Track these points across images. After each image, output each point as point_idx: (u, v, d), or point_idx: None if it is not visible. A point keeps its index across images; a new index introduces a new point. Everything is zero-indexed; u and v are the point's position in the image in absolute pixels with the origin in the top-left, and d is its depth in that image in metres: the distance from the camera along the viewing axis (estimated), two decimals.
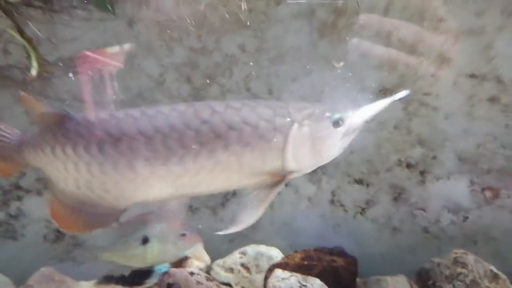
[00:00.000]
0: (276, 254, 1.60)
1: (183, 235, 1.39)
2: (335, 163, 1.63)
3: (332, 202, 1.66)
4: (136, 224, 1.37)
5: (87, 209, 1.03)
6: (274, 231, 1.66)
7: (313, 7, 1.52)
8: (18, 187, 1.58)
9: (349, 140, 1.04)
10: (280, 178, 1.01)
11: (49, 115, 1.03)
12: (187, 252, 1.42)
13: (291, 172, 1.02)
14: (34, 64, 1.38)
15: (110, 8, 1.46)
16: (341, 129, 1.01)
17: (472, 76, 1.54)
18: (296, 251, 1.53)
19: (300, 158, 1.01)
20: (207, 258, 1.58)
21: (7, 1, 1.36)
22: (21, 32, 1.41)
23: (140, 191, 1.01)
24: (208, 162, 0.98)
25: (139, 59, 1.56)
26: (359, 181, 1.64)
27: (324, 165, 1.59)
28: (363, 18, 1.42)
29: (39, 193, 1.59)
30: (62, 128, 1.02)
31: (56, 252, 1.63)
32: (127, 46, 1.45)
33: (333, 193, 1.65)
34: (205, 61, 1.57)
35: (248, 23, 1.52)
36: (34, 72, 1.38)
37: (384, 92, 1.55)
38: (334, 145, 1.03)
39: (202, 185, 1.02)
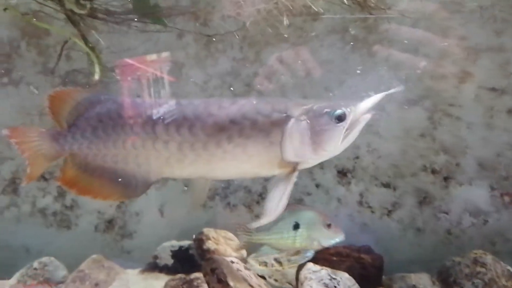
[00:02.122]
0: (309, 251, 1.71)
1: (329, 225, 1.47)
2: (363, 167, 1.75)
3: (360, 203, 1.77)
4: (288, 212, 1.45)
5: (120, 181, 1.19)
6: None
7: (346, 24, 1.67)
8: None
9: (355, 135, 1.11)
10: (290, 169, 1.12)
11: (88, 99, 1.21)
12: (332, 242, 1.49)
13: (293, 163, 1.11)
14: (97, 70, 1.54)
15: (163, 21, 1.62)
16: (342, 124, 1.09)
17: (492, 89, 1.66)
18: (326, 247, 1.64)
19: (299, 151, 1.10)
20: (243, 251, 1.70)
21: (74, 12, 1.53)
22: (86, 41, 1.58)
23: (164, 168, 1.17)
24: (217, 151, 1.11)
25: (187, 68, 1.71)
26: (386, 185, 1.76)
27: (353, 168, 1.74)
28: (393, 30, 1.55)
29: None
30: (103, 110, 1.19)
31: (105, 241, 1.77)
32: (164, 54, 1.61)
33: (361, 195, 1.77)
34: (246, 71, 1.71)
35: (286, 36, 1.67)
36: (96, 77, 1.54)
37: (409, 102, 1.67)
38: (336, 140, 1.10)
39: (217, 171, 1.16)
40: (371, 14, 1.51)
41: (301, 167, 1.14)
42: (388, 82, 1.67)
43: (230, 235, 1.71)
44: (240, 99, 1.17)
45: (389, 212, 1.76)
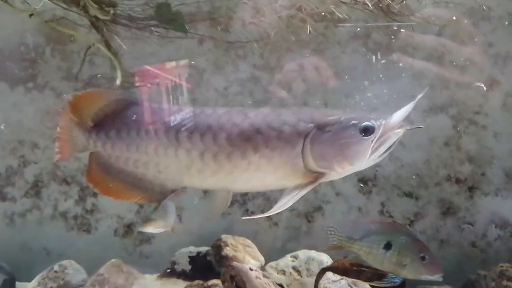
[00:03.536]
0: (326, 259, 1.68)
1: (424, 258, 1.33)
2: (385, 175, 1.71)
3: (381, 213, 1.74)
4: (385, 228, 1.41)
5: (140, 185, 1.20)
6: (325, 238, 1.75)
7: (369, 30, 1.64)
8: None
9: (385, 148, 1.05)
10: (313, 179, 1.09)
11: (117, 102, 1.23)
12: (422, 277, 1.35)
13: (317, 174, 1.08)
14: (119, 75, 1.55)
15: (186, 27, 1.63)
16: (370, 138, 1.04)
17: None
18: (345, 257, 1.61)
19: (323, 162, 1.07)
20: (261, 259, 1.68)
21: (98, 18, 1.55)
22: (108, 46, 1.60)
23: (185, 178, 1.17)
24: (242, 162, 1.09)
25: (208, 74, 1.72)
26: (408, 194, 1.72)
27: (374, 177, 1.71)
28: (417, 38, 1.52)
29: None
30: (129, 114, 1.21)
31: (124, 245, 1.78)
32: (183, 62, 1.62)
33: (382, 204, 1.73)
34: (267, 77, 1.70)
35: (308, 43, 1.66)
36: (118, 81, 1.55)
37: (434, 110, 1.64)
38: (363, 153, 1.05)
39: (239, 182, 1.14)
40: (395, 20, 1.48)
41: (326, 179, 1.12)
42: (412, 90, 1.65)
43: (249, 242, 1.70)
44: (264, 108, 1.16)
45: (411, 223, 1.72)
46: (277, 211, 1.07)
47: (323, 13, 1.54)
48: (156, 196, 1.20)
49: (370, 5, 1.40)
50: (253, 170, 1.10)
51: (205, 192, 1.76)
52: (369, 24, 1.60)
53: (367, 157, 1.06)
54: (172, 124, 1.15)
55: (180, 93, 1.39)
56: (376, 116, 1.06)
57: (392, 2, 1.41)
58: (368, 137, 1.04)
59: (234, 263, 1.40)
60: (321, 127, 1.07)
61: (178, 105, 1.27)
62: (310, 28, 1.47)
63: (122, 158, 1.20)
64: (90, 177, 1.24)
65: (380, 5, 1.43)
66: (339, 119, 1.08)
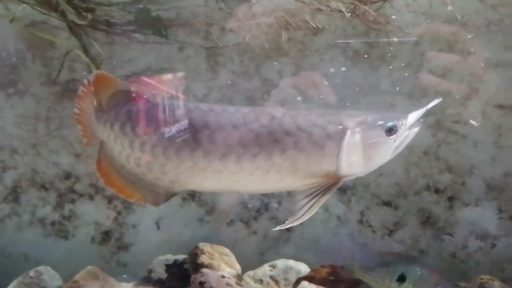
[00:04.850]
0: (304, 269, 1.66)
1: None
2: (364, 184, 1.70)
3: (360, 222, 1.72)
4: (399, 259, 1.38)
5: (141, 185, 1.14)
6: (304, 247, 1.73)
7: (348, 37, 1.64)
8: (73, 190, 1.74)
9: (402, 147, 1.11)
10: (334, 181, 1.09)
11: (126, 92, 1.15)
12: None
13: (344, 176, 1.09)
14: None
15: (164, 33, 1.63)
16: (393, 137, 1.08)
17: (500, 106, 1.60)
18: (323, 266, 1.59)
19: (353, 163, 1.08)
20: (238, 267, 1.66)
21: (76, 23, 1.56)
22: (86, 52, 1.60)
23: (195, 179, 1.11)
24: (265, 164, 1.07)
25: (187, 81, 1.71)
26: (388, 203, 1.70)
27: (353, 186, 1.70)
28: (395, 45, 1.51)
29: (91, 197, 1.74)
30: (135, 108, 1.13)
31: (101, 253, 1.77)
32: (180, 74, 1.61)
33: (362, 214, 1.72)
34: (246, 84, 1.70)
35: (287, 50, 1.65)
36: None
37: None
38: (387, 152, 1.10)
39: (255, 184, 1.11)
40: (370, 28, 1.48)
41: (346, 179, 1.12)
42: (391, 98, 1.64)
43: (226, 250, 1.69)
44: (290, 109, 1.13)
45: (391, 232, 1.70)
46: (304, 218, 1.06)
47: (301, 22, 1.53)
48: (159, 198, 1.15)
49: (345, 12, 1.39)
50: (274, 172, 1.08)
51: (184, 199, 1.75)
52: (369, 40, 1.60)
53: (389, 156, 1.10)
54: (189, 123, 1.09)
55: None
56: (397, 116, 1.10)
57: (368, 9, 1.40)
58: (392, 136, 1.08)
59: (205, 270, 1.38)
60: (350, 129, 1.08)
61: (196, 102, 1.21)
62: (286, 36, 1.46)
63: (123, 154, 1.14)
64: (98, 166, 1.18)
65: (356, 13, 1.42)
66: (366, 119, 1.09)
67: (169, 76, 1.49)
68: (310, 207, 1.07)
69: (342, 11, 1.43)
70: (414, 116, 1.10)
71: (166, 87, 1.30)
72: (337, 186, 1.09)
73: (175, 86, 1.29)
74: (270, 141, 1.07)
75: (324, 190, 1.08)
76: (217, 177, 1.09)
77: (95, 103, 1.17)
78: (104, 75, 1.17)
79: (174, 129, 1.09)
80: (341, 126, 1.08)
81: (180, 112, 1.12)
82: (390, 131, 1.08)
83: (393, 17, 1.46)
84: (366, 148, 1.07)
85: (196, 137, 1.08)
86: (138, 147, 1.11)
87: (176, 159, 1.09)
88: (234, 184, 1.11)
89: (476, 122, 1.51)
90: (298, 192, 1.10)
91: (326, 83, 1.32)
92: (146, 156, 1.11)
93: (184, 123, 1.09)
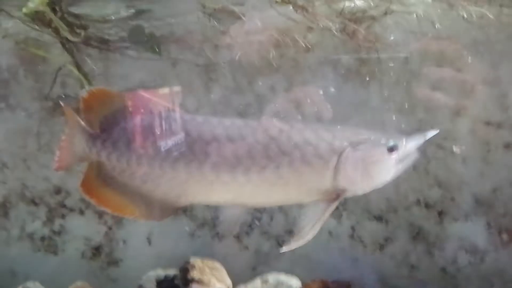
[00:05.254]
0: (296, 283, 1.66)
1: None
2: (355, 199, 1.70)
3: (351, 237, 1.73)
4: None
5: (143, 202, 1.12)
6: (295, 261, 1.73)
7: (339, 55, 1.66)
8: (63, 205, 1.73)
9: (403, 167, 1.13)
10: (334, 198, 1.10)
11: (126, 107, 1.12)
12: None
13: (344, 192, 1.10)
14: None
15: (157, 50, 1.64)
16: (395, 156, 1.10)
17: (488, 123, 1.63)
18: (313, 280, 1.59)
19: (353, 180, 1.09)
20: (229, 282, 1.65)
21: (69, 40, 1.56)
22: (79, 68, 1.61)
23: (202, 192, 1.11)
24: (272, 176, 1.07)
25: (181, 97, 1.72)
26: (378, 218, 1.71)
27: (344, 201, 1.70)
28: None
29: (81, 212, 1.73)
30: (141, 123, 1.11)
31: (91, 268, 1.75)
32: (176, 88, 1.61)
33: (353, 228, 1.72)
34: (238, 100, 1.71)
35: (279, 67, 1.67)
36: None
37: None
38: (388, 171, 1.12)
39: (261, 197, 1.13)
40: (360, 46, 1.51)
41: (346, 195, 1.13)
42: (381, 113, 1.66)
43: (217, 265, 1.67)
44: (295, 122, 1.14)
45: (381, 247, 1.71)
46: (310, 238, 1.09)
47: (292, 39, 1.56)
48: (163, 213, 1.14)
49: (334, 31, 1.41)
50: (280, 185, 1.09)
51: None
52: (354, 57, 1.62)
53: (390, 175, 1.12)
54: (198, 136, 1.09)
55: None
56: (398, 136, 1.13)
57: (357, 28, 1.43)
58: (393, 156, 1.10)
59: (194, 285, 1.38)
60: (353, 145, 1.09)
61: (204, 115, 1.19)
62: (274, 53, 1.48)
63: (127, 172, 1.11)
64: (85, 188, 1.13)
65: (346, 31, 1.45)
66: (370, 138, 1.12)
67: (165, 90, 1.49)
68: (313, 227, 1.08)
69: (333, 30, 1.45)
70: (415, 141, 1.13)
71: (163, 101, 1.28)
72: (337, 203, 1.10)
73: (172, 100, 1.27)
74: (279, 154, 1.08)
75: (325, 207, 1.10)
76: (225, 190, 1.10)
77: (89, 122, 1.13)
78: (103, 91, 1.15)
79: (183, 142, 1.09)
80: (346, 143, 1.09)
81: (189, 125, 1.12)
82: (392, 150, 1.10)
83: (391, 38, 1.49)
84: (368, 166, 1.09)
85: (205, 150, 1.08)
86: (146, 163, 1.10)
87: (185, 173, 1.09)
88: (241, 197, 1.12)
89: (459, 149, 1.55)
90: (300, 213, 1.12)
91: (323, 98, 1.34)
92: (155, 171, 1.10)
93: (192, 136, 1.10)
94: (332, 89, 1.62)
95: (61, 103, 1.16)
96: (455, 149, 1.56)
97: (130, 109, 1.13)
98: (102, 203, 1.13)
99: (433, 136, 1.16)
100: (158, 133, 1.10)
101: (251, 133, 1.10)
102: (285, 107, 1.42)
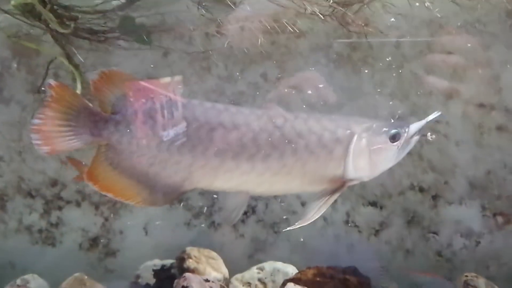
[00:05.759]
0: (292, 271, 1.66)
1: None
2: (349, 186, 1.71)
3: (346, 222, 1.73)
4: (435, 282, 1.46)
5: (147, 186, 1.13)
6: (291, 248, 1.74)
7: (330, 41, 1.66)
8: (59, 197, 1.74)
9: (404, 154, 1.17)
10: (339, 185, 1.15)
11: (140, 91, 1.12)
12: None
13: (350, 180, 1.14)
14: (79, 86, 1.56)
15: (147, 40, 1.64)
16: (397, 143, 1.14)
17: (481, 105, 1.62)
18: (309, 267, 1.59)
19: (359, 168, 1.13)
20: (225, 271, 1.66)
21: (59, 32, 1.56)
22: (70, 59, 1.61)
23: (206, 177, 1.13)
24: (276, 164, 1.10)
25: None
26: (373, 204, 1.71)
27: None
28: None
29: (78, 204, 1.74)
30: (154, 107, 1.12)
31: (89, 259, 1.76)
32: (178, 78, 1.60)
33: (347, 214, 1.73)
34: (231, 88, 1.71)
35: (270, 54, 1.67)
36: (78, 92, 1.56)
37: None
38: (390, 158, 1.16)
39: (264, 185, 1.15)
40: (349, 31, 1.50)
41: (351, 183, 1.17)
42: (373, 100, 1.66)
43: (213, 254, 1.68)
44: (301, 113, 1.17)
45: (377, 232, 1.71)
46: (313, 219, 1.14)
47: (283, 25, 1.55)
48: (166, 198, 1.15)
49: (320, 15, 1.40)
50: (284, 173, 1.12)
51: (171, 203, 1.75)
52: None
53: (393, 162, 1.17)
54: (205, 122, 1.11)
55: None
56: (400, 124, 1.17)
57: (346, 12, 1.42)
58: (395, 143, 1.14)
59: (187, 274, 1.39)
60: (356, 134, 1.13)
61: (212, 101, 1.21)
62: (263, 39, 1.48)
63: (135, 155, 1.12)
64: (91, 174, 1.10)
65: (335, 16, 1.44)
66: (372, 126, 1.15)
67: (166, 79, 1.49)
68: (318, 209, 1.13)
69: (319, 14, 1.44)
70: (416, 126, 1.16)
71: (163, 91, 1.29)
72: (342, 190, 1.14)
73: (177, 88, 1.28)
74: (283, 142, 1.10)
75: (330, 193, 1.14)
76: (229, 176, 1.12)
77: (101, 104, 1.12)
78: (117, 73, 1.14)
79: (190, 127, 1.11)
80: (349, 131, 1.12)
81: (197, 110, 1.14)
82: (394, 138, 1.13)
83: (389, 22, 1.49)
84: (371, 153, 1.13)
85: (210, 135, 1.10)
86: (155, 146, 1.11)
87: (190, 157, 1.10)
88: (244, 184, 1.14)
89: (430, 137, 1.55)
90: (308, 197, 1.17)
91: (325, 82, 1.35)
92: (162, 154, 1.11)
93: (200, 121, 1.12)
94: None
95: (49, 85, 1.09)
96: (429, 137, 1.56)
97: (142, 92, 1.13)
98: (106, 188, 1.12)
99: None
100: (169, 117, 1.12)
101: (256, 121, 1.12)
102: (287, 92, 1.43)
